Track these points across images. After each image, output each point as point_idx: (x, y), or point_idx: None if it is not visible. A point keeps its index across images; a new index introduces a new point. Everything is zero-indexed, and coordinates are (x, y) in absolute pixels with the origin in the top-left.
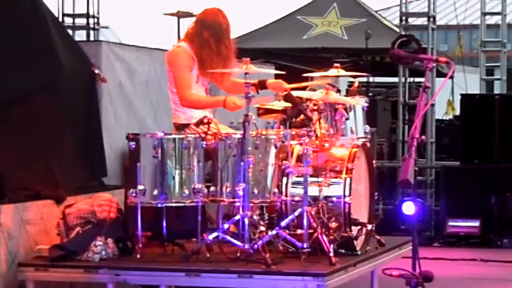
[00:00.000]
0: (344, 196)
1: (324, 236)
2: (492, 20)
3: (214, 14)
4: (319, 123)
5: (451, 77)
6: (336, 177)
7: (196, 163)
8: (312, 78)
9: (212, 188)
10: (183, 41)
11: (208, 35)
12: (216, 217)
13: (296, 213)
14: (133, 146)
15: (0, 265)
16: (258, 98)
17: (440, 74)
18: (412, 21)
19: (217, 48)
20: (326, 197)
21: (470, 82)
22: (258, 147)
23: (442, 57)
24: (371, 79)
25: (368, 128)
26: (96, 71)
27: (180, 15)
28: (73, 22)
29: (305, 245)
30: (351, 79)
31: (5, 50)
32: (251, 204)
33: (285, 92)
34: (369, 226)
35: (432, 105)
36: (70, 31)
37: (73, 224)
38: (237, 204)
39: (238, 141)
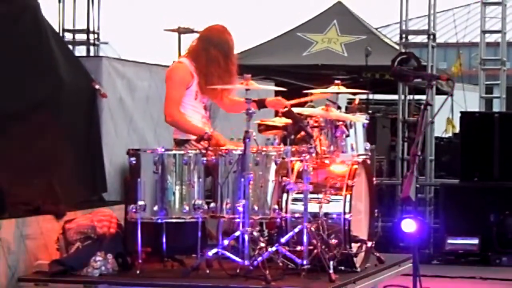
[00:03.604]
0: (344, 213)
1: (323, 253)
2: (491, 38)
3: (220, 31)
4: (320, 140)
5: (451, 95)
6: (336, 194)
7: (197, 179)
8: (311, 95)
9: (212, 204)
10: (185, 57)
11: (217, 52)
12: (216, 233)
13: (296, 230)
14: (134, 162)
15: (0, 279)
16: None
17: (439, 92)
18: (412, 38)
19: (225, 65)
20: (326, 214)
21: (469, 100)
22: (258, 163)
23: (443, 74)
24: (370, 96)
25: (368, 145)
26: (97, 86)
27: (180, 31)
28: (73, 38)
29: (304, 262)
30: (351, 96)
31: (6, 65)
32: (251, 221)
33: (286, 109)
34: (369, 243)
35: (432, 122)
36: (70, 47)
37: (73, 239)
38: (237, 220)
39: (238, 157)
